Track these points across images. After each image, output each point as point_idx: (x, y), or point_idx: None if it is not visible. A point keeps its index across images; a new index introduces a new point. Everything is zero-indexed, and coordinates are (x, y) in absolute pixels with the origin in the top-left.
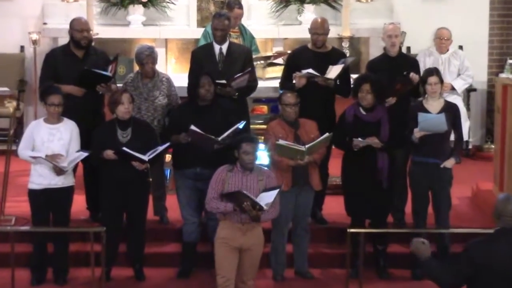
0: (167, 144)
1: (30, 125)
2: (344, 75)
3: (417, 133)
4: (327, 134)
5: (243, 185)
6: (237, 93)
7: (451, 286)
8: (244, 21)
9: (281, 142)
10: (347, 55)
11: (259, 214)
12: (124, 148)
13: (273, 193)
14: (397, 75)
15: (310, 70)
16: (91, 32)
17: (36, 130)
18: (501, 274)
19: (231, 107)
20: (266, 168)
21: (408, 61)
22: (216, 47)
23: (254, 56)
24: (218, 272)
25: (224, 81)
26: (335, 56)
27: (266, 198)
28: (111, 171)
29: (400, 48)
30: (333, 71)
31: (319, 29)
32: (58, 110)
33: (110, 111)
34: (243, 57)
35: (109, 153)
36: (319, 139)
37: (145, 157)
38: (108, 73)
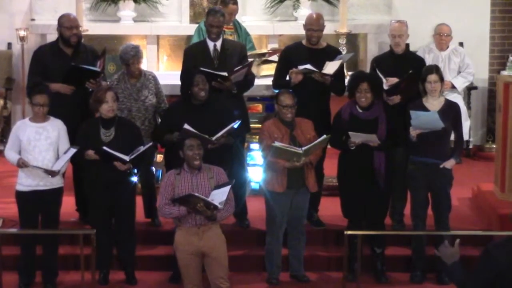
0: (150, 144)
1: (15, 125)
2: (339, 72)
3: (412, 131)
4: (324, 136)
5: (193, 185)
6: (235, 88)
7: None
8: (238, 17)
9: (277, 144)
10: (344, 51)
11: (215, 213)
12: (105, 148)
13: (226, 190)
14: (402, 73)
15: (308, 66)
16: (80, 28)
17: (22, 130)
18: None
19: (226, 106)
20: (214, 166)
21: (414, 60)
22: (210, 44)
23: (249, 53)
24: (183, 279)
25: (225, 74)
26: (330, 53)
27: (219, 196)
28: (97, 173)
29: (407, 46)
30: (331, 67)
31: (314, 25)
32: (43, 110)
33: (93, 108)
34: (238, 53)
35: (90, 153)
36: (316, 141)
37: (126, 158)
38: (97, 68)
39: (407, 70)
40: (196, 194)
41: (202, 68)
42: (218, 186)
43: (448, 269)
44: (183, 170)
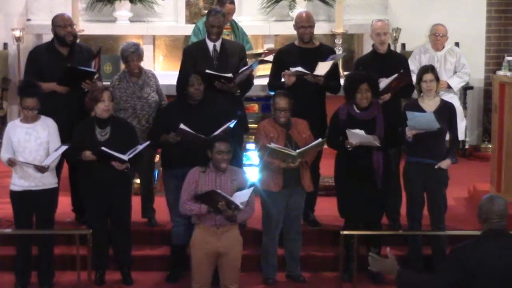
0: (147, 143)
1: (7, 127)
2: (333, 71)
3: (408, 132)
4: (320, 140)
5: (216, 185)
6: (239, 91)
7: None
8: (234, 17)
9: (272, 145)
10: (340, 51)
11: (235, 214)
12: (103, 148)
13: (248, 192)
14: (387, 72)
15: (299, 68)
16: (75, 27)
17: (12, 131)
18: (492, 278)
19: (222, 106)
20: (239, 168)
21: (397, 58)
22: (210, 44)
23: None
24: (193, 277)
25: (230, 75)
26: (324, 51)
27: (241, 197)
28: (92, 173)
29: (389, 45)
30: (323, 68)
31: (305, 21)
32: (32, 114)
33: (89, 108)
34: (237, 54)
35: (87, 154)
36: (311, 144)
37: (125, 157)
38: (92, 69)
39: (393, 69)
40: (219, 191)
41: (207, 71)
42: (240, 189)
43: (399, 279)
44: (209, 169)
